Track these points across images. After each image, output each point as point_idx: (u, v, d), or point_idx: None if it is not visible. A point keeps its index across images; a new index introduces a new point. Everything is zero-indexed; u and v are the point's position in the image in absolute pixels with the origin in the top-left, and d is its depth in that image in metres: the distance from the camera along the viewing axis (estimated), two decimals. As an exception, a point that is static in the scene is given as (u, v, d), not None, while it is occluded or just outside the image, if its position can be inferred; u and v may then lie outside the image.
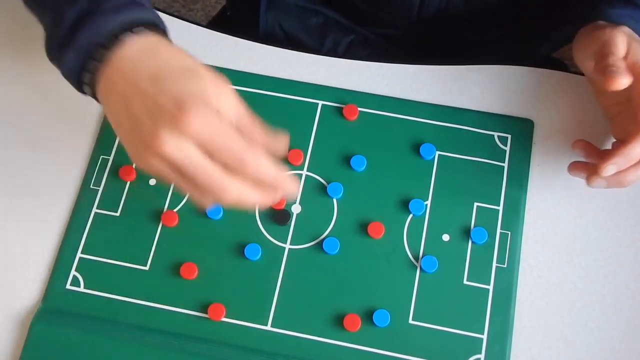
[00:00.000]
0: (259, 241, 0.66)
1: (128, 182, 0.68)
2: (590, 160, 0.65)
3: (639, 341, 0.63)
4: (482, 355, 0.62)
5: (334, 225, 0.66)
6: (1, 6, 0.77)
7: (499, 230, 0.66)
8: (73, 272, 0.65)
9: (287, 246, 0.66)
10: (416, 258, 0.65)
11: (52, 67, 0.74)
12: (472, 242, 0.65)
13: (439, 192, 0.67)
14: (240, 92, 0.70)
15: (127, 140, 0.53)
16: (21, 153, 0.70)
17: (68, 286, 0.65)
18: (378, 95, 0.71)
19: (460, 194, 0.67)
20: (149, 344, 0.62)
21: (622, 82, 0.58)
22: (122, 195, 0.68)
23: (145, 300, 0.64)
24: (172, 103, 0.50)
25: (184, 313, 0.64)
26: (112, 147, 0.69)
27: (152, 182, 0.68)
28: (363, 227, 0.66)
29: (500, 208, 0.67)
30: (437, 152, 0.69)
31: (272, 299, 0.64)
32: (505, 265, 0.65)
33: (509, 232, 0.66)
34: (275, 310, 0.64)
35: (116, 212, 0.67)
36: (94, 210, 0.67)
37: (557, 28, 0.83)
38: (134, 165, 0.68)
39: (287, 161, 0.68)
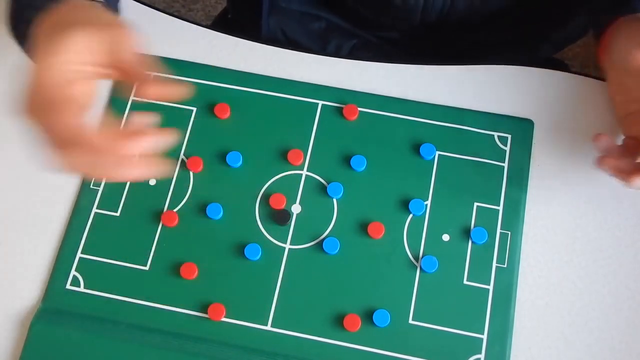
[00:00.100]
0: (259, 241, 0.66)
1: (128, 182, 0.68)
2: (610, 155, 0.63)
3: (639, 341, 0.63)
4: (482, 355, 0.62)
5: (334, 225, 0.66)
6: (1, 5, 0.77)
7: (499, 230, 0.66)
8: (73, 272, 0.65)
9: (287, 246, 0.66)
10: (416, 258, 0.65)
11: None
12: (472, 242, 0.65)
13: (439, 192, 0.67)
14: (241, 92, 0.71)
15: None
16: (21, 153, 0.70)
17: (68, 286, 0.65)
18: (378, 95, 0.71)
19: (460, 194, 0.67)
20: (149, 344, 0.62)
21: None
22: (122, 195, 0.68)
23: (145, 300, 0.64)
24: (39, 52, 0.51)
25: (184, 313, 0.64)
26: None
27: (152, 182, 0.68)
28: (363, 227, 0.66)
29: (500, 208, 0.67)
30: (437, 152, 0.69)
31: (272, 299, 0.64)
32: (505, 265, 0.65)
33: (509, 232, 0.66)
34: (275, 310, 0.64)
35: (116, 212, 0.67)
36: (94, 210, 0.67)
37: (559, 30, 0.83)
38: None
39: (287, 161, 0.68)
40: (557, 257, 0.65)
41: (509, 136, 0.69)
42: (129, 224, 0.67)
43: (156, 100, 0.53)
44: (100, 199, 0.68)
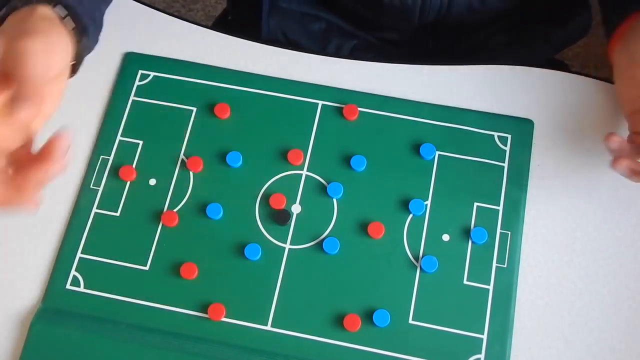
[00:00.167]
0: (259, 241, 0.66)
1: (128, 182, 0.68)
2: (625, 156, 0.62)
3: (639, 341, 0.63)
4: (482, 355, 0.62)
5: (334, 225, 0.66)
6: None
7: (499, 230, 0.66)
8: (73, 272, 0.65)
9: (287, 246, 0.66)
10: (416, 258, 0.65)
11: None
12: (472, 242, 0.65)
13: (439, 192, 0.67)
14: (241, 92, 0.71)
15: None
16: (21, 153, 0.70)
17: (68, 286, 0.65)
18: (378, 95, 0.71)
19: (460, 194, 0.67)
20: (149, 344, 0.62)
21: None
22: (122, 195, 0.68)
23: (145, 300, 0.64)
24: None
25: (184, 313, 0.64)
26: (112, 147, 0.69)
27: (152, 182, 0.68)
28: (363, 227, 0.66)
29: (500, 208, 0.67)
30: (437, 152, 0.69)
31: (272, 299, 0.64)
32: (505, 265, 0.65)
33: (509, 232, 0.66)
34: (275, 310, 0.64)
35: (116, 212, 0.67)
36: (94, 210, 0.67)
37: (558, 30, 0.83)
38: (134, 165, 0.68)
39: (287, 161, 0.68)
40: (557, 257, 0.65)
41: (509, 136, 0.69)
42: (129, 224, 0.67)
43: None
44: (100, 199, 0.68)
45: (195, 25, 0.75)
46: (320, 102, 0.71)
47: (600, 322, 0.63)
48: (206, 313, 0.63)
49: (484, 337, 0.62)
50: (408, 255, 0.65)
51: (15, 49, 0.53)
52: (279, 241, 0.66)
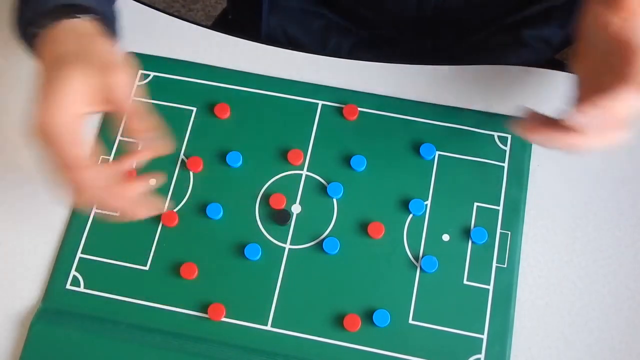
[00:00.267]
0: (259, 241, 0.66)
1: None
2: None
3: (639, 341, 0.63)
4: (482, 355, 0.62)
5: (334, 225, 0.66)
6: (2, 8, 0.77)
7: (499, 230, 0.66)
8: (73, 272, 0.65)
9: (287, 246, 0.66)
10: (416, 258, 0.65)
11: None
12: (472, 242, 0.65)
13: (439, 192, 0.67)
14: (241, 92, 0.71)
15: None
16: (21, 153, 0.70)
17: (68, 286, 0.65)
18: (378, 95, 0.71)
19: (460, 194, 0.67)
20: (149, 344, 0.62)
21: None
22: (122, 195, 0.68)
23: (145, 300, 0.64)
24: (40, 90, 0.55)
25: (184, 313, 0.64)
26: (112, 147, 0.69)
27: (152, 182, 0.68)
28: (363, 227, 0.66)
29: (500, 208, 0.67)
30: (437, 152, 0.69)
31: (272, 299, 0.64)
32: (505, 265, 0.65)
33: (509, 232, 0.66)
34: (275, 310, 0.64)
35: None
36: (94, 210, 0.67)
37: (559, 31, 0.83)
38: (134, 165, 0.68)
39: (287, 161, 0.68)
40: (557, 257, 0.65)
41: (509, 136, 0.69)
42: (129, 224, 0.66)
43: (139, 140, 0.58)
44: (100, 199, 0.68)
45: (195, 25, 0.75)
46: (320, 102, 0.71)
47: (600, 322, 0.63)
48: (206, 313, 0.63)
49: (484, 337, 0.62)
50: (408, 255, 0.65)
51: (111, 85, 0.55)
52: (279, 241, 0.66)
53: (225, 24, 0.93)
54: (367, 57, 0.73)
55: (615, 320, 0.63)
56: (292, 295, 0.64)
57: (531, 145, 0.69)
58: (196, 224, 0.67)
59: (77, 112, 0.55)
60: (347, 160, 0.68)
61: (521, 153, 0.68)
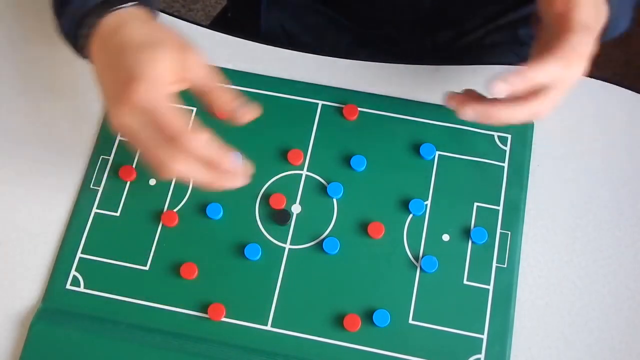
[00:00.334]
0: (259, 241, 0.66)
1: (128, 182, 0.68)
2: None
3: (639, 341, 0.63)
4: (482, 355, 0.62)
5: (334, 225, 0.66)
6: (2, 9, 0.77)
7: (499, 230, 0.66)
8: (73, 272, 0.65)
9: (287, 246, 0.66)
10: (416, 258, 0.65)
11: (52, 68, 0.74)
12: (472, 242, 0.65)
13: (439, 192, 0.67)
14: (241, 92, 0.71)
15: (104, 101, 0.58)
16: (21, 153, 0.70)
17: (68, 286, 0.65)
18: (378, 95, 0.71)
19: (460, 194, 0.67)
20: (149, 344, 0.62)
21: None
22: (122, 195, 0.68)
23: (145, 300, 0.64)
24: (125, 76, 0.55)
25: (184, 313, 0.64)
26: (112, 147, 0.69)
27: (152, 182, 0.68)
28: (363, 227, 0.66)
29: (500, 208, 0.67)
30: (437, 152, 0.69)
31: (272, 299, 0.64)
32: (505, 265, 0.65)
33: (509, 232, 0.66)
34: (275, 310, 0.64)
35: (116, 212, 0.67)
36: (94, 210, 0.67)
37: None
38: (134, 165, 0.68)
39: (287, 161, 0.68)
40: (557, 257, 0.65)
41: (509, 136, 0.69)
42: (129, 224, 0.67)
43: (227, 116, 0.59)
44: (100, 199, 0.68)
45: (195, 25, 0.75)
46: (320, 102, 0.71)
47: (600, 322, 0.63)
48: (206, 313, 0.63)
49: (484, 337, 0.62)
50: (408, 255, 0.65)
51: (191, 63, 0.57)
52: (279, 241, 0.66)
53: (224, 21, 0.93)
54: (365, 54, 0.73)
55: (615, 320, 0.63)
56: (292, 295, 0.64)
57: (531, 145, 0.69)
58: (196, 224, 0.67)
59: (169, 90, 0.56)
60: (347, 160, 0.68)
61: (521, 153, 0.68)
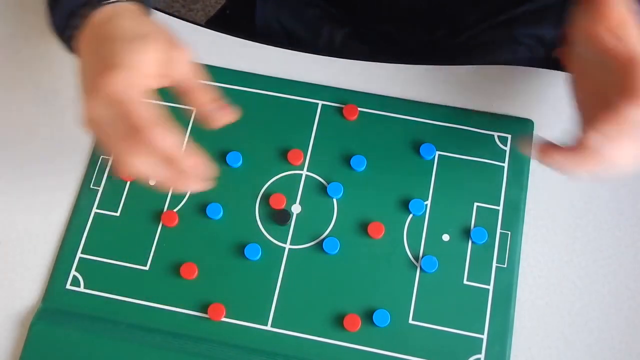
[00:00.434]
0: (259, 241, 0.66)
1: (128, 182, 0.68)
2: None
3: (639, 341, 0.63)
4: (482, 355, 0.62)
5: (334, 225, 0.66)
6: (1, 12, 0.77)
7: (499, 230, 0.66)
8: (73, 272, 0.65)
9: (287, 246, 0.66)
10: (416, 258, 0.65)
11: (51, 68, 0.74)
12: (472, 242, 0.65)
13: (439, 192, 0.67)
14: (241, 92, 0.71)
15: (81, 94, 0.57)
16: (21, 153, 0.70)
17: (68, 286, 0.65)
18: (378, 95, 0.71)
19: (460, 194, 0.67)
20: (149, 344, 0.62)
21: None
22: (122, 195, 0.68)
23: (145, 300, 0.64)
24: (105, 65, 0.54)
25: (184, 313, 0.64)
26: (112, 147, 0.69)
27: (152, 182, 0.68)
28: (363, 227, 0.66)
29: (500, 208, 0.67)
30: (437, 152, 0.69)
31: (272, 299, 0.64)
32: (505, 265, 0.65)
33: (509, 232, 0.66)
34: (275, 310, 0.64)
35: (116, 212, 0.67)
36: (94, 210, 0.67)
37: (557, 30, 0.83)
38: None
39: (287, 161, 0.68)
40: (557, 257, 0.65)
41: (509, 136, 0.69)
42: (129, 224, 0.67)
43: (206, 116, 0.58)
44: (100, 199, 0.68)
45: (195, 25, 0.75)
46: (320, 102, 0.71)
47: (600, 322, 0.63)
48: (206, 313, 0.63)
49: (484, 337, 0.62)
50: (408, 255, 0.65)
51: (176, 60, 0.56)
52: (279, 241, 0.66)
53: (222, 19, 0.94)
54: (361, 49, 0.73)
55: (615, 320, 0.63)
56: (292, 295, 0.64)
57: (531, 145, 0.69)
58: (196, 224, 0.67)
59: (148, 83, 0.55)
60: (347, 160, 0.68)
61: (521, 153, 0.68)
